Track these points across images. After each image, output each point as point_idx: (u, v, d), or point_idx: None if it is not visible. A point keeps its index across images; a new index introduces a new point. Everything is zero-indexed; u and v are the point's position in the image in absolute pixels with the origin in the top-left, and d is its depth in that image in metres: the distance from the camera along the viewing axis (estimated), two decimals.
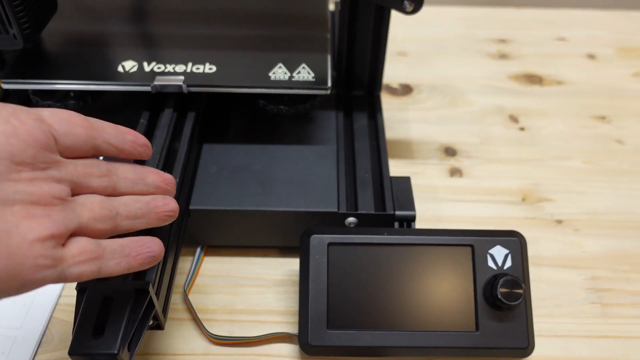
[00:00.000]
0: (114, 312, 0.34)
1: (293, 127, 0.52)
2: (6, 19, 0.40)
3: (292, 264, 0.49)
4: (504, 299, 0.40)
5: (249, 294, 0.47)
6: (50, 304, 0.46)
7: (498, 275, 0.42)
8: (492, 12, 0.81)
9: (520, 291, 0.40)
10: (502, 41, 0.76)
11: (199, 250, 0.49)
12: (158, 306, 0.36)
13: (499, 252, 0.43)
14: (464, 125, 0.63)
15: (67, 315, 0.45)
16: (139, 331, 0.35)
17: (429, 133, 0.62)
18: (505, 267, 0.43)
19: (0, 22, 0.40)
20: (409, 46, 0.74)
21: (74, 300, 0.45)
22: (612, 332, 0.45)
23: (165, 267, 0.39)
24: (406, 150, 0.59)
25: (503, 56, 0.73)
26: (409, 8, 0.47)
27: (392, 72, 0.69)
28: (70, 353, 0.32)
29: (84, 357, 0.32)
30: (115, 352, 0.32)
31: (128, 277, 0.36)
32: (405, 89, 0.67)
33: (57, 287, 0.47)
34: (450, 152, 0.60)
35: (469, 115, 0.64)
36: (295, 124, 0.52)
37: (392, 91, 0.67)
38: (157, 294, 0.37)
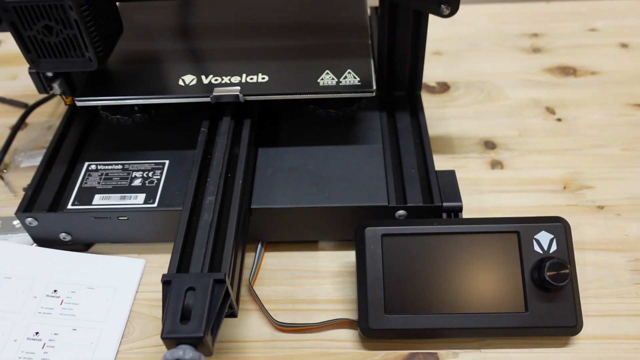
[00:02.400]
0: (197, 300, 0.37)
1: (341, 128, 0.56)
2: (83, 43, 0.45)
3: (346, 257, 0.52)
4: (551, 281, 0.43)
5: (308, 285, 0.51)
6: (129, 299, 0.50)
7: (544, 259, 0.44)
8: (523, 7, 0.83)
9: (567, 272, 0.43)
10: (535, 35, 0.78)
11: (259, 246, 0.53)
12: (232, 295, 0.40)
13: (544, 237, 0.46)
14: (501, 119, 0.65)
15: (145, 308, 0.50)
16: (218, 318, 0.39)
17: (468, 128, 0.64)
18: (551, 251, 0.45)
19: (78, 46, 0.45)
20: (444, 45, 0.76)
21: (150, 296, 0.50)
22: None
23: (236, 261, 0.43)
24: (447, 145, 0.62)
25: (536, 50, 0.75)
26: (446, 12, 0.50)
27: (429, 72, 0.72)
28: (162, 337, 0.36)
29: (175, 340, 0.36)
30: (202, 335, 0.36)
31: (205, 269, 0.40)
32: (443, 87, 0.70)
33: (134, 284, 0.51)
34: (490, 145, 0.62)
35: (506, 109, 0.67)
36: (343, 125, 0.56)
37: (430, 89, 0.70)
38: (231, 284, 0.41)
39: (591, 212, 0.55)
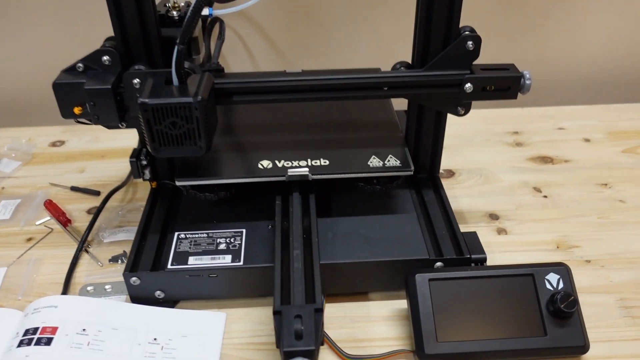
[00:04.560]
0: (305, 324, 0.49)
1: (382, 202, 0.70)
2: (198, 135, 0.59)
3: (394, 304, 0.64)
4: (564, 309, 0.56)
5: (365, 327, 0.62)
6: (218, 344, 0.60)
7: (555, 293, 0.57)
8: (504, 112, 1.03)
9: (574, 299, 0.56)
10: (516, 132, 0.96)
11: (322, 297, 0.64)
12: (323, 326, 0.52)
13: (553, 277, 0.59)
14: (499, 196, 0.81)
15: (233, 351, 0.59)
16: (319, 339, 0.50)
17: (474, 204, 0.79)
18: (559, 287, 0.58)
19: (193, 137, 0.59)
20: (445, 141, 0.93)
21: (235, 341, 0.61)
22: None
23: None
24: (460, 217, 0.77)
25: (518, 144, 0.93)
26: (462, 112, 0.67)
27: None
28: (284, 350, 0.47)
29: (293, 353, 0.47)
30: (314, 347, 0.47)
31: (303, 302, 0.52)
32: (449, 173, 0.86)
33: (220, 332, 0.61)
34: (494, 216, 0.77)
35: (501, 189, 0.83)
36: (383, 200, 0.70)
37: (440, 175, 0.85)
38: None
39: (581, 265, 0.69)
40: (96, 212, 0.77)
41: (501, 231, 0.75)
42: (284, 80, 0.63)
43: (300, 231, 0.60)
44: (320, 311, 0.50)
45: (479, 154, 0.91)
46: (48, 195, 0.83)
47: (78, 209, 0.81)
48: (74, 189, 0.85)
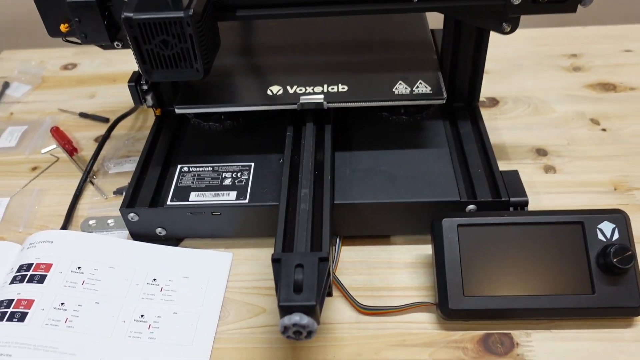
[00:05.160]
0: (306, 275, 0.42)
1: (409, 134, 0.61)
2: (193, 56, 0.51)
3: (417, 250, 0.57)
4: (618, 264, 0.47)
5: (385, 274, 0.55)
6: (222, 287, 0.55)
7: (608, 245, 0.49)
8: (560, 31, 0.89)
9: (631, 254, 0.47)
10: (574, 55, 0.84)
11: (338, 240, 0.58)
12: (332, 274, 0.45)
13: (606, 227, 0.50)
14: (550, 129, 0.71)
15: (237, 295, 0.54)
16: (323, 292, 0.43)
17: (519, 137, 0.70)
18: (613, 239, 0.50)
19: (188, 58, 0.51)
20: (490, 65, 0.82)
21: (240, 284, 0.55)
22: None
23: (331, 247, 0.48)
24: (502, 152, 0.67)
25: (576, 68, 0.81)
26: (507, 29, 0.56)
27: None
28: (280, 305, 0.41)
29: (290, 308, 0.41)
30: (314, 303, 0.41)
31: (308, 249, 0.45)
32: (492, 102, 0.76)
33: (225, 274, 0.56)
34: (541, 152, 0.67)
35: (553, 121, 0.72)
36: (411, 131, 0.61)
37: (481, 104, 0.75)
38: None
39: None
40: (101, 141, 0.72)
41: (549, 169, 0.65)
42: None
43: (311, 167, 0.52)
44: (325, 260, 0.43)
45: (528, 80, 0.79)
46: (56, 122, 0.78)
47: (86, 136, 0.76)
48: (83, 115, 0.80)
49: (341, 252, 0.57)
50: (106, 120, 0.78)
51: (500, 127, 0.71)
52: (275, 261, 0.44)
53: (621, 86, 0.77)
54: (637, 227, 0.57)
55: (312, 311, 0.41)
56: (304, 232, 0.46)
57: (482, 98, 0.76)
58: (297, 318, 0.40)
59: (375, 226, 0.57)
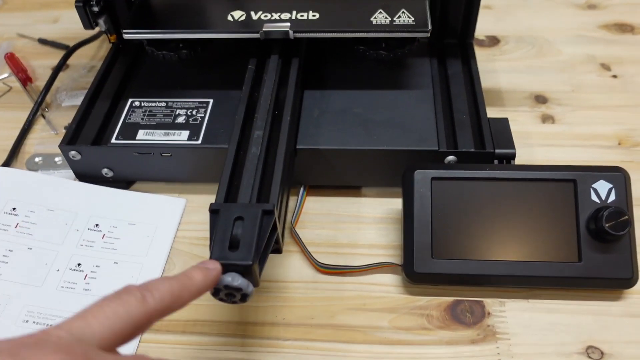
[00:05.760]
0: (245, 230, 0.37)
1: (390, 73, 0.54)
2: None
3: (390, 204, 0.51)
4: (610, 230, 0.41)
5: (351, 229, 0.50)
6: (170, 237, 0.50)
7: (602, 208, 0.42)
8: None
9: (626, 219, 0.41)
10: None
11: (302, 189, 0.52)
12: (279, 228, 0.40)
13: (602, 187, 0.44)
14: (554, 74, 0.63)
15: (185, 246, 0.49)
16: (266, 249, 0.38)
17: (519, 82, 0.62)
18: (609, 201, 0.43)
19: None
20: (494, 0, 0.73)
21: (191, 234, 0.50)
22: None
23: (282, 197, 0.42)
24: (496, 98, 0.60)
25: (591, 6, 0.72)
26: None
27: (478, 25, 0.67)
28: (214, 257, 0.35)
29: (223, 267, 0.35)
30: (250, 262, 0.35)
31: (253, 200, 0.39)
32: (492, 41, 0.68)
33: (175, 222, 0.51)
34: (541, 99, 0.60)
35: (558, 65, 0.64)
36: (392, 70, 0.54)
37: (479, 43, 0.67)
38: (278, 217, 0.40)
39: None
40: (54, 70, 0.65)
41: (547, 119, 0.58)
42: None
43: (269, 106, 0.46)
44: (270, 214, 0.38)
45: (536, 19, 0.71)
46: (13, 48, 0.72)
47: (43, 65, 0.69)
48: (42, 41, 0.73)
49: (305, 203, 0.52)
50: (66, 47, 0.71)
51: (498, 70, 0.64)
52: (213, 212, 0.38)
53: (639, 27, 0.68)
54: (637, 187, 0.51)
55: (249, 272, 0.36)
56: (250, 181, 0.40)
57: (481, 36, 0.68)
58: (229, 279, 0.35)
59: (343, 176, 0.51)
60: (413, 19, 0.49)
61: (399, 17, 0.49)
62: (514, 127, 0.56)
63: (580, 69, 0.63)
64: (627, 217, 0.41)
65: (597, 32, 0.68)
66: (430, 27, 0.48)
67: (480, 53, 0.66)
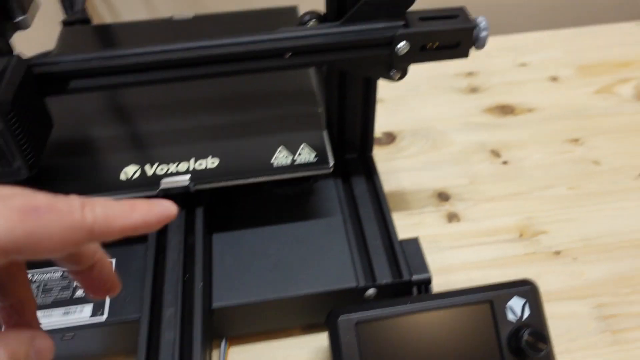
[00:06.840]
0: None
1: (298, 204, 0.53)
2: (10, 154, 0.40)
3: (315, 341, 0.50)
4: (531, 351, 0.42)
5: None
6: None
7: (520, 328, 0.44)
8: None
9: (545, 346, 0.42)
10: (470, 74, 0.79)
11: (223, 343, 0.49)
12: None
13: (516, 303, 0.45)
14: (450, 167, 0.65)
15: None
16: None
17: (420, 180, 0.64)
18: (524, 318, 0.45)
19: (4, 157, 0.40)
20: (384, 92, 0.76)
21: None
22: (629, 358, 0.48)
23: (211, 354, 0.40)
24: (401, 201, 0.61)
25: (473, 90, 0.76)
26: (396, 77, 0.49)
27: None
28: None
29: None
30: None
31: None
32: (389, 137, 0.70)
33: None
34: (443, 197, 0.62)
35: (453, 156, 0.67)
36: (300, 200, 0.54)
37: (377, 141, 0.69)
38: None
39: (549, 259, 0.56)
40: None
41: (452, 217, 0.60)
42: (142, 53, 0.43)
43: (178, 274, 0.43)
44: None
45: (425, 108, 0.74)
46: None
47: None
48: None
49: (228, 356, 0.49)
50: None
51: (399, 169, 0.65)
52: None
53: (519, 108, 0.73)
54: (546, 280, 0.54)
55: None
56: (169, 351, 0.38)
57: (378, 134, 0.70)
58: None
59: (266, 324, 0.49)
60: (315, 154, 0.49)
61: (300, 154, 0.49)
62: (422, 232, 0.58)
63: (473, 159, 0.66)
64: (545, 342, 0.42)
65: (483, 117, 0.72)
66: (331, 163, 0.48)
67: (379, 152, 0.67)
